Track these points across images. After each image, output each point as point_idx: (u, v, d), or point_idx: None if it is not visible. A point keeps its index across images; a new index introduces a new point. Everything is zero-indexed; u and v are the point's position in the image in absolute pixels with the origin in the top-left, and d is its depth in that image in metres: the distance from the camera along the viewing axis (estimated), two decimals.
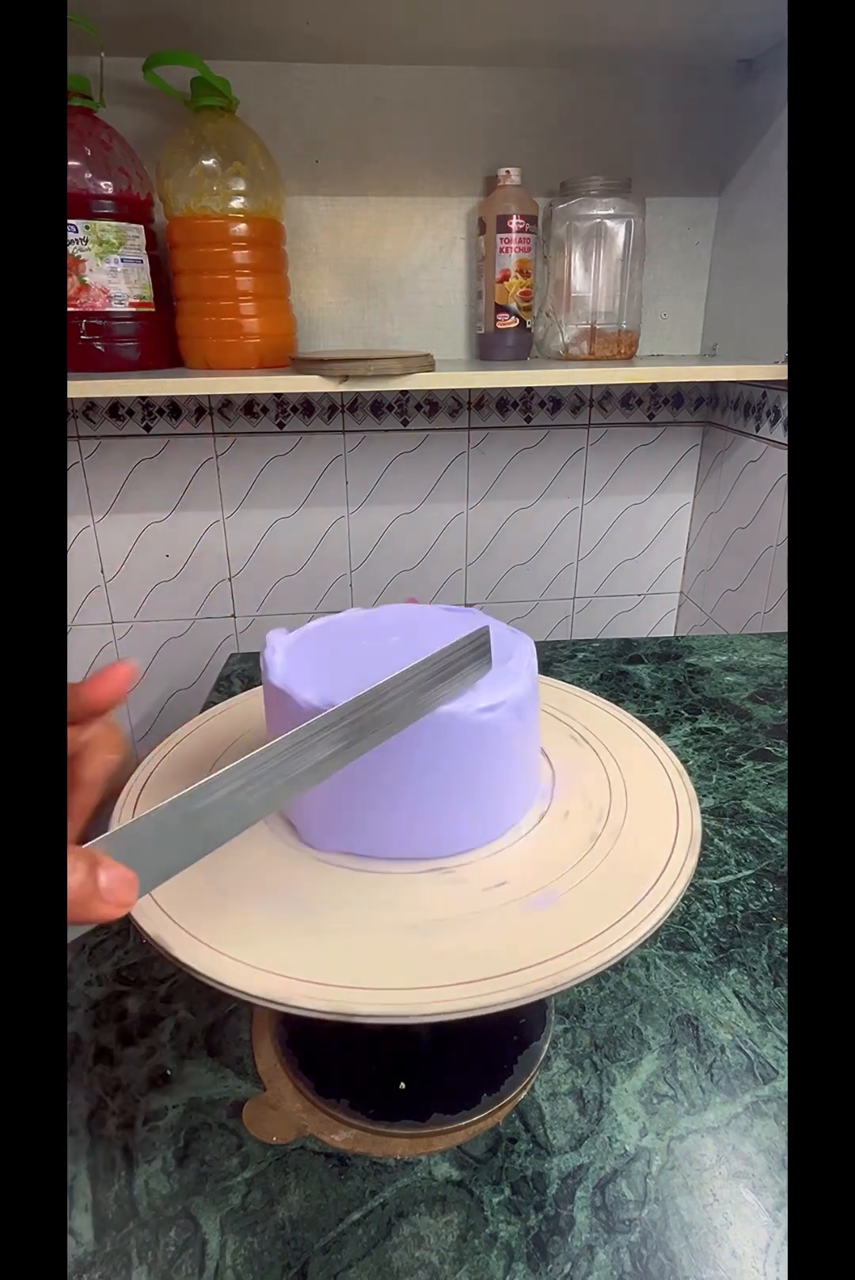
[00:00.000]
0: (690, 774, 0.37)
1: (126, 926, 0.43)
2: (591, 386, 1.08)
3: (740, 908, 0.43)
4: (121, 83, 0.85)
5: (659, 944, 0.41)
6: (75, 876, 0.20)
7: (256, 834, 0.30)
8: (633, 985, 0.39)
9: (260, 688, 0.43)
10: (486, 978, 0.23)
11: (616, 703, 0.39)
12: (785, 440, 0.91)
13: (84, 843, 0.21)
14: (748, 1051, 0.35)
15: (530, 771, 0.32)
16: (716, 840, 0.49)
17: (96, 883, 0.20)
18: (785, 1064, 0.34)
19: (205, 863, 0.28)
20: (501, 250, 0.90)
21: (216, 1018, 0.37)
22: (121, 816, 0.31)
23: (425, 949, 0.25)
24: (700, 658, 0.75)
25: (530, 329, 0.96)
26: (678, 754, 0.36)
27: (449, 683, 0.28)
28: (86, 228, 0.80)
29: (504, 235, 0.90)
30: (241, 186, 0.82)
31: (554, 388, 1.07)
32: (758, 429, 0.97)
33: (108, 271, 0.82)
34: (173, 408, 1.02)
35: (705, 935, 0.42)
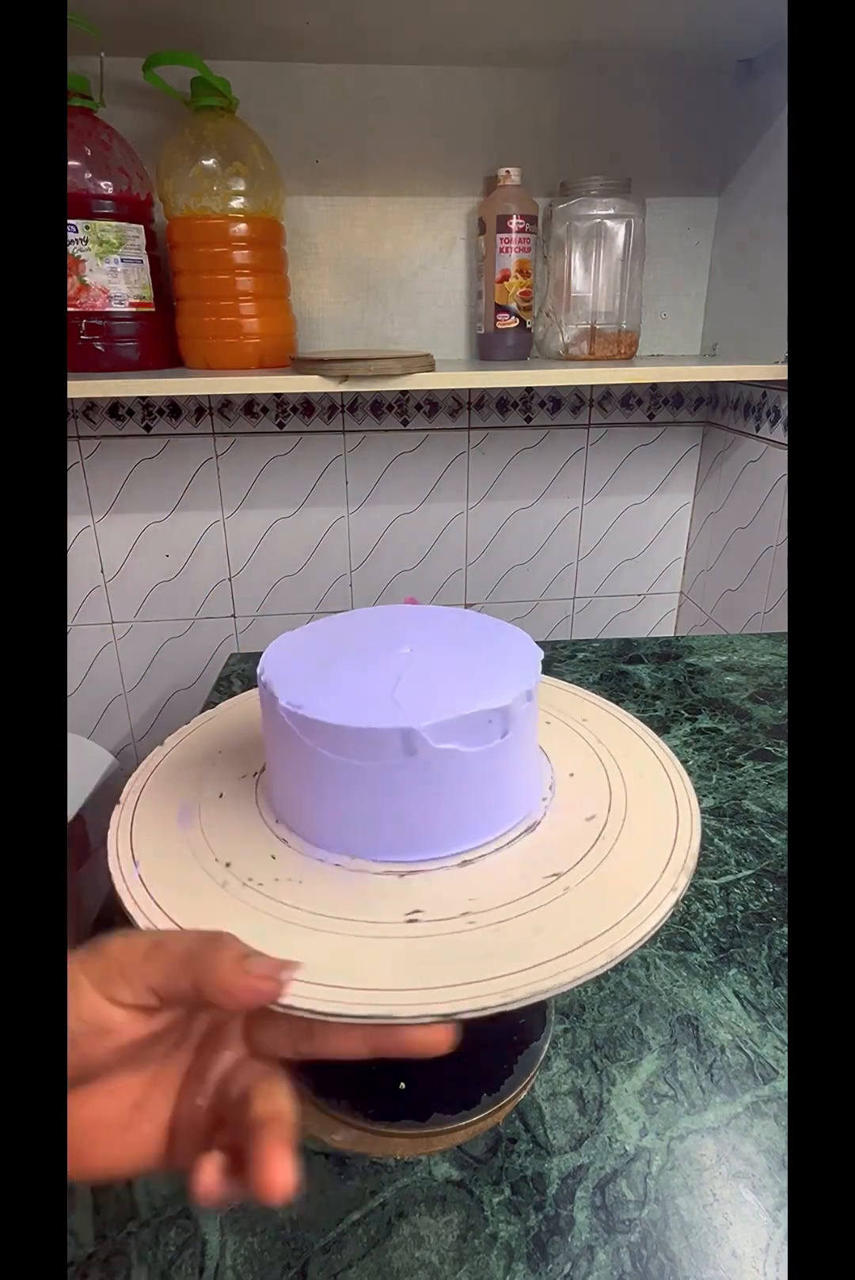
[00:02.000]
0: (690, 774, 0.37)
1: (126, 926, 0.43)
2: (591, 386, 1.08)
3: (740, 908, 0.43)
4: (121, 83, 0.85)
5: (659, 944, 0.41)
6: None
7: (256, 835, 0.30)
8: (633, 985, 0.39)
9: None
10: (486, 978, 0.23)
11: (616, 703, 0.39)
12: (785, 440, 0.91)
13: None
14: (748, 1051, 0.35)
15: (529, 771, 0.32)
16: (716, 840, 0.49)
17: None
18: (785, 1064, 0.34)
19: (205, 863, 0.29)
20: (501, 250, 0.90)
21: None
22: (122, 816, 0.31)
23: (425, 949, 0.25)
24: (700, 658, 0.75)
25: (530, 329, 0.96)
26: (678, 754, 0.36)
27: None
28: (86, 228, 0.80)
29: (504, 235, 0.90)
30: (241, 186, 0.82)
31: (554, 388, 1.07)
32: (758, 429, 0.97)
33: (108, 271, 0.82)
34: (173, 408, 1.02)
35: (705, 935, 0.42)
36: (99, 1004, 0.21)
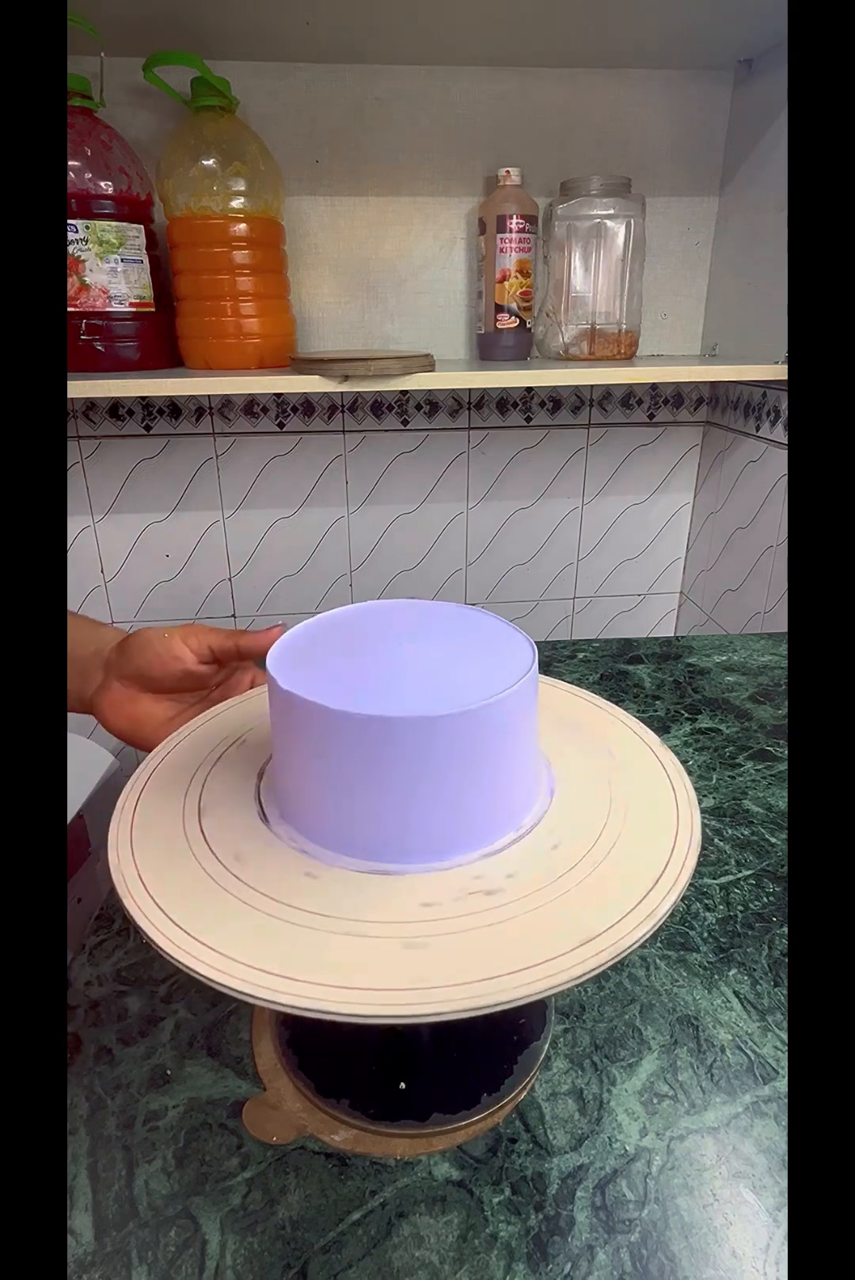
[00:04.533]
0: (690, 774, 0.37)
1: (127, 926, 0.43)
2: (591, 386, 1.08)
3: (740, 908, 0.43)
4: (121, 83, 0.85)
5: (659, 944, 0.41)
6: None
7: (256, 834, 0.30)
8: (633, 985, 0.39)
9: (260, 688, 0.43)
10: (486, 978, 0.23)
11: (616, 703, 0.39)
12: (785, 440, 0.91)
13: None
14: (748, 1051, 0.35)
15: (529, 772, 0.32)
16: (716, 840, 0.49)
17: None
18: (785, 1064, 0.34)
19: (206, 863, 0.29)
20: (501, 250, 0.90)
21: (216, 1018, 0.37)
22: (122, 815, 0.31)
23: (425, 949, 0.25)
24: (700, 658, 0.75)
25: (530, 329, 0.96)
26: (678, 754, 0.36)
27: None
28: (86, 228, 0.80)
29: (504, 235, 0.90)
30: (241, 186, 0.82)
31: (554, 388, 1.07)
32: (758, 429, 0.97)
33: (108, 271, 0.82)
34: (173, 408, 1.02)
35: (705, 935, 0.42)
36: (179, 645, 0.40)
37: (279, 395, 1.03)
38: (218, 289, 0.85)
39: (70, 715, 0.40)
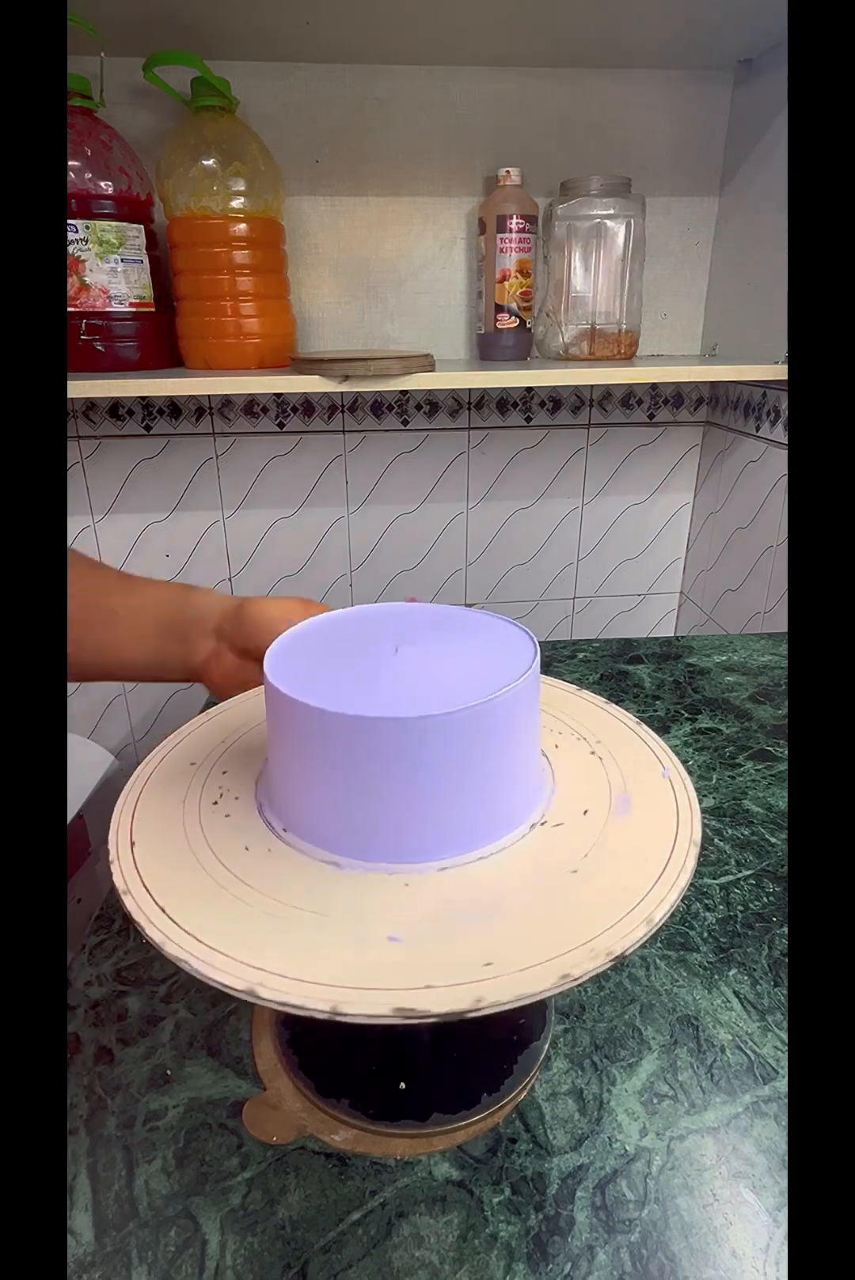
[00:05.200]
0: (690, 774, 0.37)
1: (127, 926, 0.43)
2: (591, 386, 1.08)
3: (740, 908, 0.43)
4: (121, 83, 0.85)
5: (659, 944, 0.41)
6: None
7: (256, 833, 0.30)
8: (633, 985, 0.39)
9: (260, 688, 0.43)
10: (486, 978, 0.23)
11: (616, 703, 0.39)
12: (785, 440, 0.91)
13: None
14: (748, 1051, 0.35)
15: (529, 771, 0.32)
16: (716, 840, 0.49)
17: None
18: (785, 1064, 0.34)
19: (206, 862, 0.29)
20: (501, 250, 0.90)
21: (216, 1018, 0.37)
22: (122, 815, 0.31)
23: (424, 949, 0.25)
24: (700, 658, 0.75)
25: (530, 329, 0.96)
26: (678, 754, 0.36)
27: None
28: (86, 228, 0.80)
29: (504, 235, 0.90)
30: (241, 186, 0.82)
31: (554, 388, 1.07)
32: (758, 429, 0.97)
33: (108, 271, 0.82)
34: (173, 408, 1.02)
35: (705, 935, 0.42)
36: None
37: (279, 395, 1.03)
38: (218, 289, 0.85)
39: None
